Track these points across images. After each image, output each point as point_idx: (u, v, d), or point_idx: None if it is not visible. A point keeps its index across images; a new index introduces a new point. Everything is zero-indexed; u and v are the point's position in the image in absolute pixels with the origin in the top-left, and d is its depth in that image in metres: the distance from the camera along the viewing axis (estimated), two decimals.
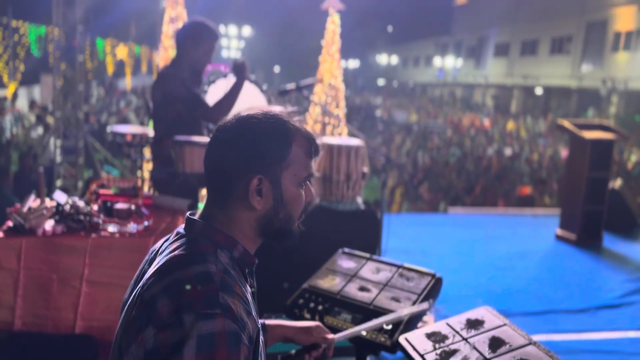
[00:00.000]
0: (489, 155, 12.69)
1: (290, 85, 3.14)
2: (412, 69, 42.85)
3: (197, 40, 3.01)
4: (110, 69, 22.96)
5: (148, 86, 23.52)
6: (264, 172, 1.04)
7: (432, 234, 5.38)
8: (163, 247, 1.11)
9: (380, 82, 46.29)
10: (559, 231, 5.34)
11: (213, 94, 3.27)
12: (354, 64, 43.62)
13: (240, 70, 3.02)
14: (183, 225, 1.11)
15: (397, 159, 10.92)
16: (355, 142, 2.98)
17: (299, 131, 1.09)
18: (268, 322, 1.49)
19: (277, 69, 43.39)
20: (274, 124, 1.07)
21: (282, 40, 38.09)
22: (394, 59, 44.91)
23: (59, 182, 6.44)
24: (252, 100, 3.28)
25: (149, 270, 1.05)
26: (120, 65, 23.96)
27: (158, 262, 1.05)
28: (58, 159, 6.65)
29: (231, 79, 3.27)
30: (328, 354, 1.47)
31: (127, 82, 24.65)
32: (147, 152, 4.52)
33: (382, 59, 45.79)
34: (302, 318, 1.67)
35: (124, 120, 12.21)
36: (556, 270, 4.57)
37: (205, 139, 2.70)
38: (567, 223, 5.22)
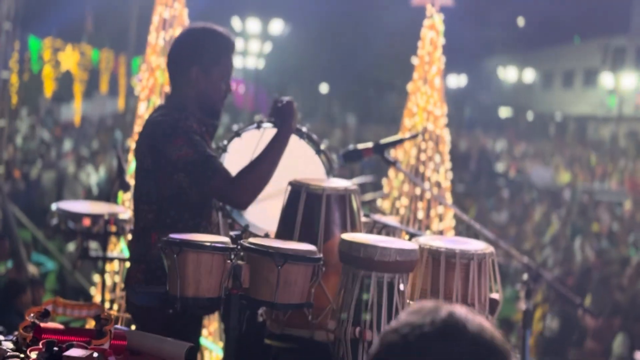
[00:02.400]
0: None
1: (365, 145, 3.20)
2: (559, 92, 42.84)
3: (205, 59, 3.15)
4: (49, 88, 24.08)
5: (112, 117, 24.48)
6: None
7: None
8: None
9: (504, 112, 46.42)
10: None
11: (236, 155, 3.37)
12: (456, 81, 44.08)
13: (284, 116, 3.11)
14: None
15: (543, 266, 10.70)
16: (477, 245, 2.96)
17: None
18: None
19: (324, 88, 44.44)
20: None
21: (334, 43, 39.12)
22: (528, 75, 45.16)
23: None
24: (301, 169, 3.35)
25: None
26: (65, 81, 25.07)
27: None
28: None
29: (267, 130, 3.36)
30: None
31: (76, 109, 25.60)
32: (116, 248, 4.67)
33: (508, 74, 46.11)
34: None
35: (70, 181, 12.61)
36: None
37: (222, 240, 2.76)
38: None
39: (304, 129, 3.41)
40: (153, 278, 3.04)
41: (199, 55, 3.18)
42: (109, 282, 4.92)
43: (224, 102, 3.28)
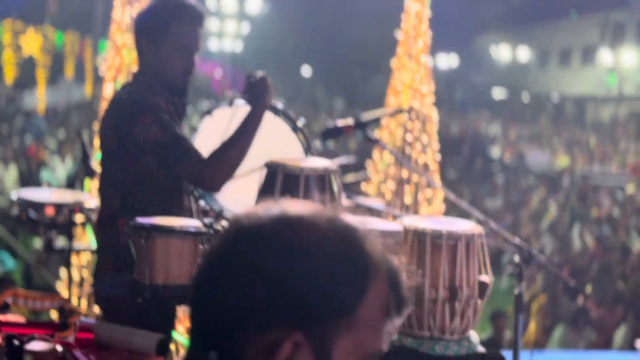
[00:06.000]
0: None
1: (345, 121, 3.20)
2: (556, 71, 43.01)
3: (169, 33, 3.13)
4: (9, 74, 23.94)
5: (79, 105, 24.29)
6: (308, 331, 1.05)
7: None
8: None
9: (498, 93, 46.56)
10: None
11: (207, 134, 3.36)
12: (447, 61, 44.18)
13: (257, 93, 3.10)
14: None
15: (537, 243, 10.79)
16: (465, 225, 2.98)
17: (382, 265, 1.12)
18: None
19: (306, 70, 44.41)
20: (349, 249, 1.10)
21: (317, 22, 39.05)
22: (523, 53, 45.28)
23: None
24: (277, 148, 3.34)
25: None
26: (27, 66, 24.91)
27: None
28: None
29: (240, 108, 3.35)
30: None
31: (40, 97, 25.43)
32: (83, 239, 4.65)
33: (501, 52, 46.22)
34: None
35: (36, 169, 12.57)
36: None
37: (192, 223, 2.75)
38: None
39: (280, 106, 3.40)
40: (123, 268, 3.02)
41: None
42: (76, 276, 4.91)
43: (188, 79, 3.24)
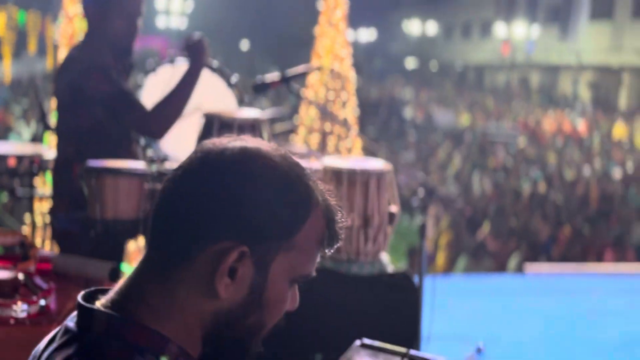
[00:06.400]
0: (586, 179, 12.76)
1: (273, 77, 3.18)
2: (460, 43, 43.37)
3: (113, 2, 3.07)
4: None
5: (42, 76, 23.73)
6: (252, 246, 1.06)
7: (501, 309, 5.38)
8: (46, 355, 1.10)
9: (411, 63, 46.80)
10: None
11: (152, 90, 3.31)
12: (367, 35, 44.20)
13: (195, 52, 3.05)
14: (74, 316, 1.10)
15: (443, 188, 10.96)
16: (376, 163, 3.00)
17: (322, 202, 1.11)
18: None
19: (244, 44, 43.92)
20: (295, 181, 1.10)
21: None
22: (431, 27, 45.52)
23: None
24: (213, 101, 3.31)
25: None
26: None
27: None
28: None
29: (181, 66, 3.31)
30: None
31: (5, 70, 24.87)
32: (42, 185, 4.55)
33: (413, 26, 46.38)
34: None
35: (3, 133, 12.28)
36: None
37: (138, 165, 2.72)
38: None
39: (216, 64, 3.37)
40: (77, 207, 2.98)
41: None
42: (39, 221, 4.81)
43: (132, 41, 3.17)
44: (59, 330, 1.12)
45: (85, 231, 2.72)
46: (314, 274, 1.13)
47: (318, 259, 1.14)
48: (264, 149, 1.11)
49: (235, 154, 1.09)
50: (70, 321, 1.10)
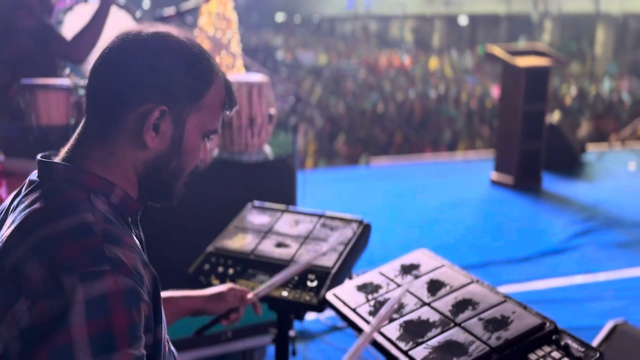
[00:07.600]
0: (411, 100, 13.19)
1: (169, 10, 3.04)
2: (315, 0, 42.86)
3: None
4: None
5: None
6: (170, 106, 1.04)
7: (354, 190, 5.58)
8: (15, 204, 1.07)
9: (279, 17, 45.88)
10: (494, 175, 5.74)
11: (70, 25, 3.09)
12: None
13: None
14: (35, 172, 1.07)
15: (309, 116, 11.02)
16: (257, 77, 2.97)
17: (221, 74, 1.11)
18: (169, 293, 1.49)
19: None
20: (199, 55, 1.08)
21: None
22: None
23: None
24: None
25: (1, 234, 1.02)
26: None
27: (13, 222, 1.01)
28: None
29: (93, 4, 3.10)
30: (257, 312, 1.54)
31: None
32: None
33: None
34: (210, 285, 1.68)
35: None
36: (494, 218, 4.94)
37: (64, 81, 2.56)
38: (503, 165, 5.62)
39: (122, 2, 3.17)
40: (13, 118, 2.78)
41: None
42: None
43: None
44: (23, 185, 1.08)
45: (25, 137, 2.56)
46: (219, 130, 1.13)
47: (221, 120, 1.13)
48: (173, 32, 1.10)
49: (150, 34, 1.07)
50: (32, 176, 1.07)
